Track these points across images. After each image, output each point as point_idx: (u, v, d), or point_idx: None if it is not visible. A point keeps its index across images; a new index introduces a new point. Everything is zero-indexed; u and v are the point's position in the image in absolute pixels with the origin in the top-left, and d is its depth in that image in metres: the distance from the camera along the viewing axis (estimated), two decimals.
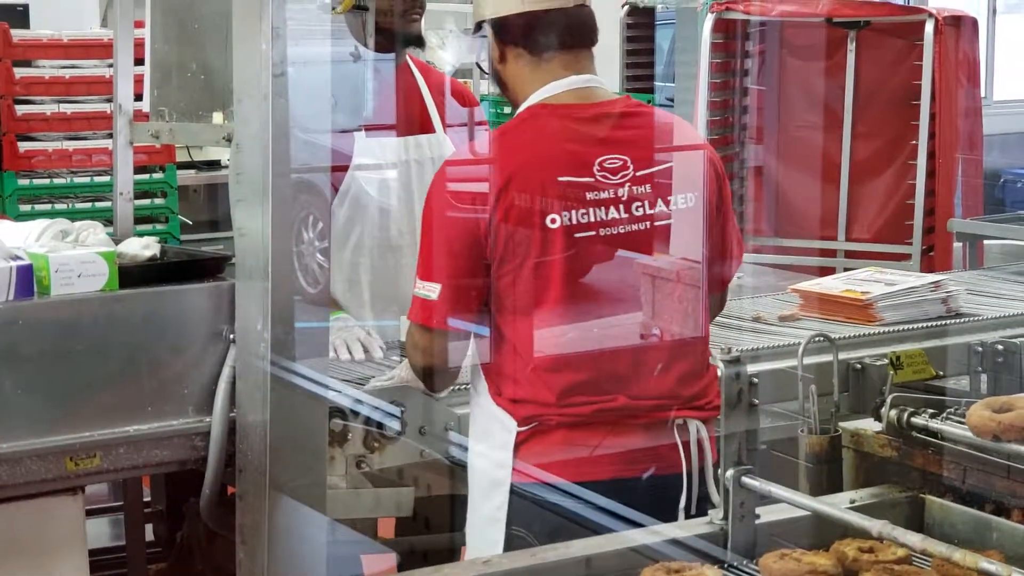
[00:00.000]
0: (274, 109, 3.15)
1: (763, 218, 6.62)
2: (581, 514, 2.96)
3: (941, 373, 3.91)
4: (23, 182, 6.79)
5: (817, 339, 2.98)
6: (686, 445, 3.05)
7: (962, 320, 4.09)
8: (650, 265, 3.05)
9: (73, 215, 5.78)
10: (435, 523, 3.89)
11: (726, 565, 2.37)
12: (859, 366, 3.81)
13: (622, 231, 3.02)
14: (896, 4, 6.72)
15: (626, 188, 3.02)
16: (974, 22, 6.73)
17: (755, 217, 6.57)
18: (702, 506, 3.02)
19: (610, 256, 3.03)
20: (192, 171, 7.77)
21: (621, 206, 3.02)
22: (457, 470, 3.55)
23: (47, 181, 6.89)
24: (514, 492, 3.05)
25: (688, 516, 2.99)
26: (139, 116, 6.67)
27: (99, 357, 3.21)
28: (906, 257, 6.03)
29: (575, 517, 2.96)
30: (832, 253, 6.58)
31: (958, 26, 6.57)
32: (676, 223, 3.07)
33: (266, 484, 3.22)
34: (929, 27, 6.28)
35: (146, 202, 7.08)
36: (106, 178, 6.83)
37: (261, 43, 3.16)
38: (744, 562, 2.39)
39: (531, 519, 3.02)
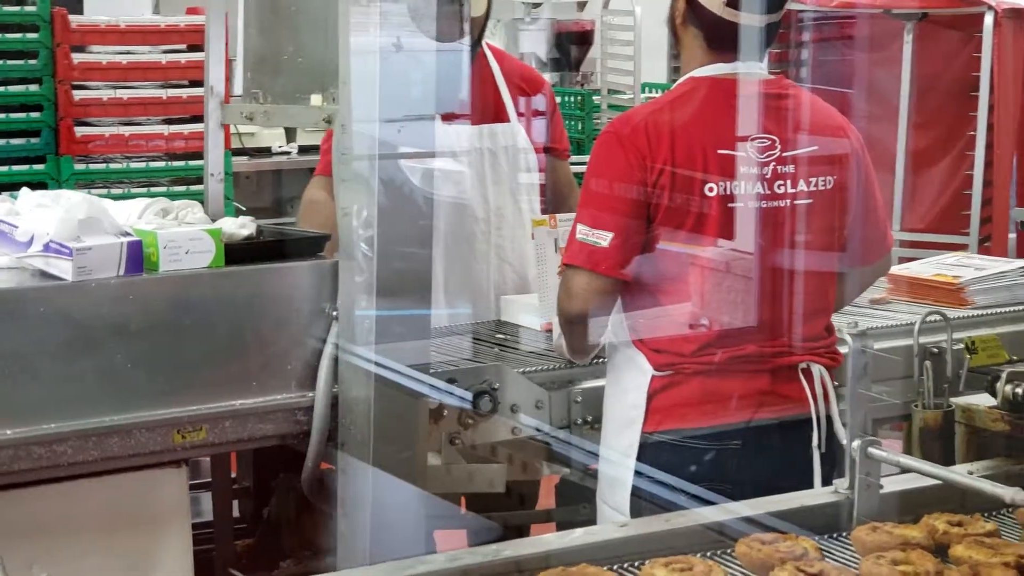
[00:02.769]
0: (386, 89, 3.22)
1: None
2: (711, 458, 3.16)
3: (1015, 358, 3.97)
4: (79, 166, 6.82)
5: (933, 318, 3.04)
6: (812, 388, 3.21)
7: None
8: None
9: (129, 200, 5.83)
10: (528, 499, 3.97)
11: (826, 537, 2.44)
12: (935, 350, 3.87)
13: (765, 206, 3.20)
14: None
15: (771, 167, 3.20)
16: None
17: None
18: (831, 445, 3.20)
19: (753, 227, 3.20)
20: (244, 158, 7.82)
21: (766, 183, 3.19)
22: (549, 448, 3.64)
23: (103, 166, 6.92)
24: (646, 435, 3.21)
25: (821, 455, 3.19)
26: (194, 100, 6.73)
27: (206, 332, 3.28)
28: (963, 247, 6.06)
29: (705, 461, 3.15)
30: None
31: (1016, 19, 6.61)
32: (814, 203, 3.25)
33: (370, 458, 3.29)
34: (988, 19, 6.32)
35: (200, 188, 7.12)
36: (160, 163, 6.90)
37: (370, 26, 3.23)
38: (836, 535, 2.45)
39: (662, 461, 3.18)
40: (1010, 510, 2.53)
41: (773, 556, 2.29)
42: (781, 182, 3.21)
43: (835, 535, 2.47)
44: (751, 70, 3.26)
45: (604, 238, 3.16)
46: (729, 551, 2.38)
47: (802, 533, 2.44)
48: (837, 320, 3.33)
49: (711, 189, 3.15)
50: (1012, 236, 6.42)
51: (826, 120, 3.36)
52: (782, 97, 3.30)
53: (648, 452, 3.22)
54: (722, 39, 3.23)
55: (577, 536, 2.40)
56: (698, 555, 2.34)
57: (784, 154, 3.21)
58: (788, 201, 3.22)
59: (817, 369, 3.24)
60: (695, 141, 3.17)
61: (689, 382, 3.21)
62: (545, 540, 2.38)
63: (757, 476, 3.08)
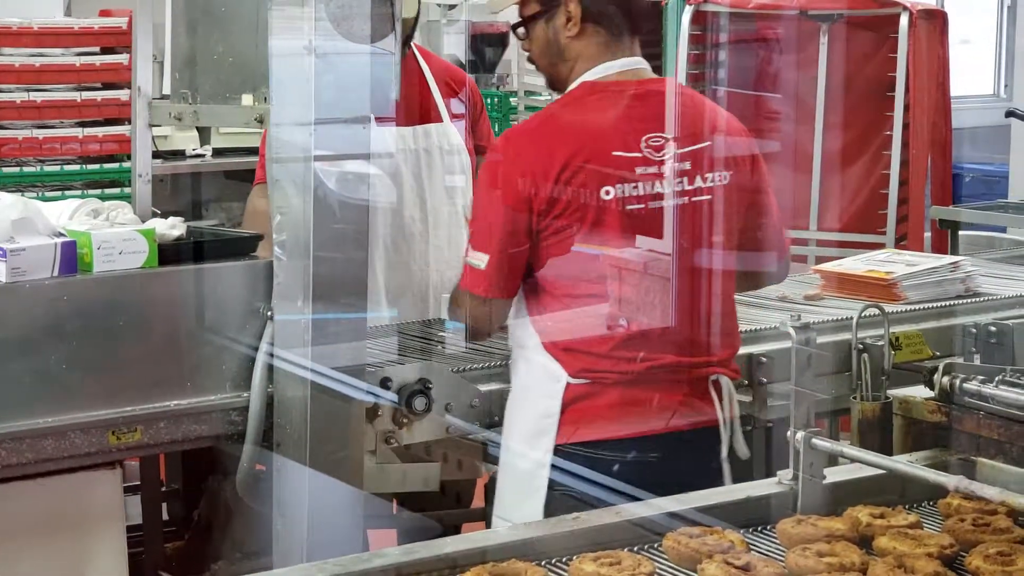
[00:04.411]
0: (317, 91, 3.22)
1: None
2: (631, 469, 3.15)
3: (938, 353, 4.03)
4: None
5: (870, 313, 3.08)
6: (721, 399, 3.26)
7: (980, 299, 4.24)
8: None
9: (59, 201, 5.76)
10: (465, 498, 3.98)
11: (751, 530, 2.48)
12: (861, 346, 3.92)
13: (666, 204, 3.20)
14: None
15: (668, 164, 3.20)
16: (945, 16, 6.88)
17: None
18: (733, 456, 3.27)
19: (656, 228, 3.20)
20: (158, 161, 7.74)
21: (665, 181, 3.19)
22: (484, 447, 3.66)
23: (16, 169, 6.84)
24: (561, 445, 3.20)
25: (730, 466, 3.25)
26: (109, 103, 6.65)
27: (141, 333, 3.27)
28: (880, 246, 6.12)
29: (624, 472, 3.14)
30: (804, 242, 6.70)
31: (930, 19, 6.72)
32: (713, 198, 3.26)
33: (306, 458, 3.29)
34: (904, 20, 6.41)
35: (115, 191, 7.06)
36: (75, 167, 6.85)
37: (303, 25, 3.23)
38: (762, 528, 2.49)
39: (578, 472, 3.17)
40: (931, 502, 2.58)
41: (700, 550, 2.31)
42: (680, 179, 3.22)
43: (760, 528, 2.49)
44: (638, 66, 3.29)
45: (482, 260, 3.20)
46: (657, 546, 2.40)
47: (747, 526, 2.48)
48: (778, 315, 3.37)
49: (607, 193, 3.14)
50: (928, 235, 6.52)
51: (715, 115, 3.40)
52: (678, 95, 3.33)
53: (562, 464, 3.20)
54: (618, 24, 3.25)
55: (519, 531, 2.41)
56: (626, 550, 2.36)
57: (680, 151, 3.21)
58: (689, 198, 3.22)
59: (725, 381, 3.28)
60: (589, 147, 3.17)
61: (607, 392, 3.20)
62: (493, 535, 2.40)
63: (672, 487, 3.09)
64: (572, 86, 3.27)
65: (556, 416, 3.20)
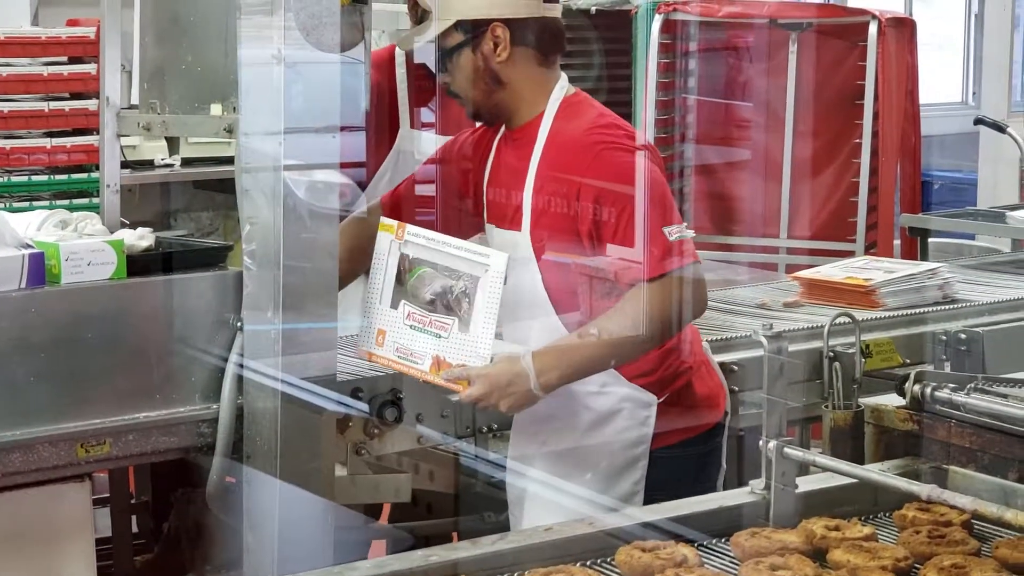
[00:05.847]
0: (286, 100, 3.21)
1: (705, 216, 6.74)
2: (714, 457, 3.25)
3: (908, 361, 4.04)
4: None
5: (840, 320, 3.08)
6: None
7: (956, 306, 4.26)
8: None
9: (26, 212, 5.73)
10: (436, 508, 3.97)
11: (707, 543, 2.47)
12: (832, 354, 3.92)
13: None
14: (839, 6, 6.85)
15: None
16: (913, 24, 6.92)
17: (696, 215, 6.69)
18: None
19: None
20: (126, 171, 7.70)
21: None
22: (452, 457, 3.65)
23: None
24: (650, 462, 3.21)
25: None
26: (77, 113, 6.63)
27: (109, 344, 3.24)
28: (850, 254, 6.14)
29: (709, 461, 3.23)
30: (774, 250, 6.72)
31: (899, 27, 6.75)
32: None
33: (276, 470, 3.27)
34: (873, 28, 6.44)
35: (84, 201, 7.03)
36: (43, 177, 6.81)
37: (272, 34, 3.22)
38: (714, 541, 2.48)
39: (669, 481, 3.16)
40: (887, 514, 2.57)
41: (653, 563, 2.30)
42: None
43: (716, 541, 2.48)
44: None
45: (685, 230, 3.13)
46: (610, 559, 2.38)
47: (720, 536, 2.47)
48: (755, 322, 3.39)
49: None
50: (897, 242, 6.56)
51: None
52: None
53: (654, 477, 3.21)
54: (555, 45, 3.27)
55: (491, 544, 2.39)
56: (579, 564, 2.34)
57: None
58: None
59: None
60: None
61: (683, 395, 3.24)
62: (464, 547, 2.38)
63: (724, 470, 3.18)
64: (554, 104, 3.25)
65: (648, 442, 3.20)
